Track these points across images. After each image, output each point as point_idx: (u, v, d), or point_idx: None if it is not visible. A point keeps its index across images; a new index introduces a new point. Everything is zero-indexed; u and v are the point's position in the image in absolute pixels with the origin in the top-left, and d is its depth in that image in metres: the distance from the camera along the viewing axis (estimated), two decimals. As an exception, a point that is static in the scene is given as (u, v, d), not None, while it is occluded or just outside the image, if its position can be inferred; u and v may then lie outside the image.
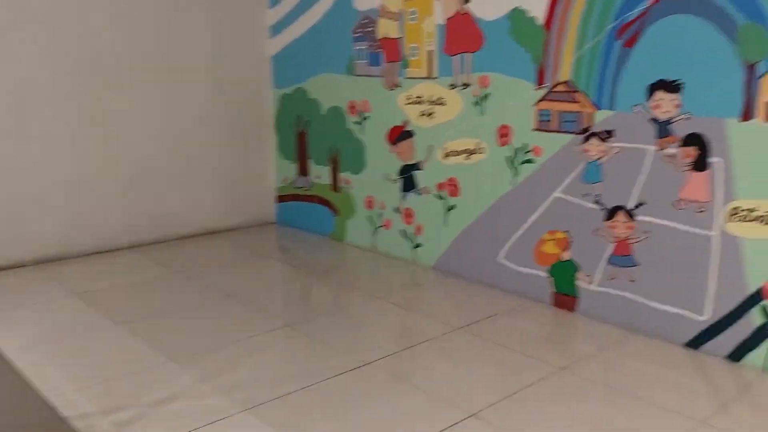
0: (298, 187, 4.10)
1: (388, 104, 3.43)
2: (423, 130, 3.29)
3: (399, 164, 3.44)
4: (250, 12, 4.03)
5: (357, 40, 3.53)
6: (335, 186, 3.85)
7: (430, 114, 3.24)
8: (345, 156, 3.74)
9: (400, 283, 3.22)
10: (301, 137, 4.01)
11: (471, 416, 1.99)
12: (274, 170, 4.26)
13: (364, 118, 3.58)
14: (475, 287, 3.09)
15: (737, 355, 2.32)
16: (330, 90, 3.75)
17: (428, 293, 3.15)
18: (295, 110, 4.02)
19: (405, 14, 3.25)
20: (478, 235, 3.11)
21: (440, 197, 3.26)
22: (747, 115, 2.18)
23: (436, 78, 3.18)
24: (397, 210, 3.50)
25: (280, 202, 4.27)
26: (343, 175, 3.78)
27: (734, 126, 2.22)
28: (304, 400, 2.08)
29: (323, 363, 2.33)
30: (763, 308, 2.24)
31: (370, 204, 3.65)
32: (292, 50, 3.96)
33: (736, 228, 2.27)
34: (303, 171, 4.05)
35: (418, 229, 3.41)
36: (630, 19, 2.43)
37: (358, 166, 3.67)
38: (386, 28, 3.36)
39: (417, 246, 3.43)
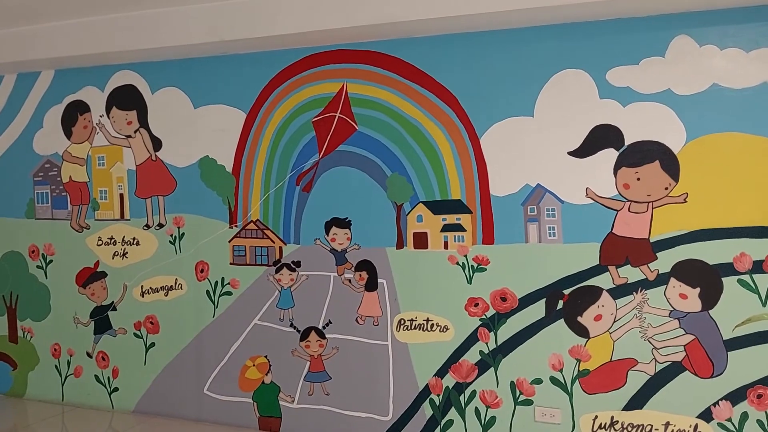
0: (-36, 343, 3.63)
1: (76, 247, 3.34)
2: (117, 270, 3.28)
3: (91, 306, 3.33)
4: None
5: (38, 183, 3.43)
6: (13, 336, 3.51)
7: (124, 254, 3.26)
8: (25, 303, 3.48)
9: (97, 434, 3.05)
10: (-32, 286, 3.62)
11: None
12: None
13: (49, 262, 3.42)
14: (180, 424, 3.07)
15: (417, 444, 2.74)
16: (5, 235, 3.51)
17: (130, 439, 3.03)
18: (-41, 257, 3.63)
19: (92, 160, 3.30)
20: (182, 371, 3.14)
21: (139, 336, 3.23)
22: (400, 244, 2.75)
23: (128, 219, 3.25)
24: (89, 355, 3.34)
25: (-63, 362, 3.69)
26: (23, 324, 3.48)
27: (392, 253, 2.76)
28: None
29: None
30: (431, 401, 2.72)
31: (56, 352, 3.41)
32: (-44, 192, 3.63)
33: (403, 336, 2.76)
34: (-30, 324, 3.61)
35: (115, 373, 3.29)
36: (305, 168, 2.90)
37: (41, 313, 3.43)
38: (72, 172, 3.35)
39: (114, 390, 3.30)
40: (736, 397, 2.34)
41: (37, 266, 3.45)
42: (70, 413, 3.28)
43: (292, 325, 2.94)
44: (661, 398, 2.42)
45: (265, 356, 2.99)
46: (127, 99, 3.20)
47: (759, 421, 2.31)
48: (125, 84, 3.21)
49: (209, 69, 3.03)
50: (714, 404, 2.36)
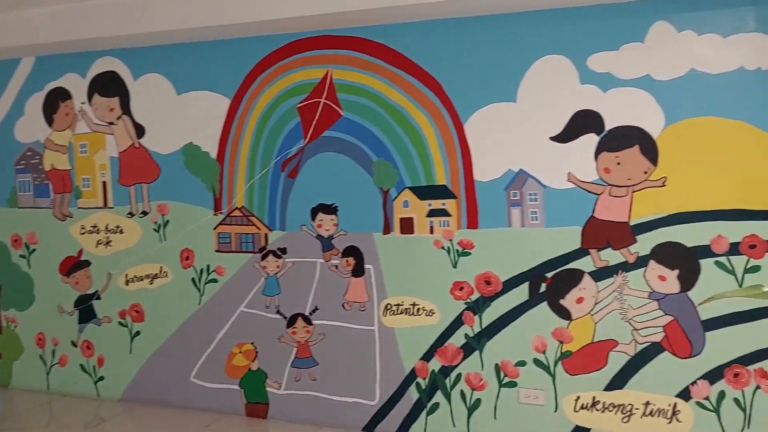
0: (-55, 334, 3.59)
1: (59, 235, 3.33)
2: (101, 259, 3.27)
3: (75, 295, 3.32)
4: None
5: (20, 172, 3.40)
6: (-4, 327, 3.49)
7: (107, 242, 3.25)
8: (9, 292, 3.45)
9: (83, 423, 3.03)
10: (-51, 276, 3.58)
11: None
12: None
13: (32, 251, 3.39)
14: (167, 412, 3.08)
15: (403, 429, 2.77)
16: (-13, 224, 3.48)
17: (117, 427, 3.03)
18: (-61, 247, 3.59)
19: (74, 147, 3.28)
20: (168, 358, 3.15)
21: (124, 325, 3.23)
22: (387, 229, 2.77)
23: (112, 207, 3.23)
24: (74, 344, 3.33)
25: None
26: (7, 314, 3.46)
27: (379, 238, 2.78)
28: None
29: None
30: (417, 384, 2.76)
31: (41, 341, 3.40)
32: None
33: (390, 321, 2.79)
34: (-49, 314, 3.58)
35: (100, 361, 3.29)
36: (290, 155, 2.91)
37: (25, 302, 3.42)
38: (54, 160, 3.32)
39: (100, 379, 3.29)
40: (713, 376, 2.40)
41: (20, 255, 3.43)
42: (57, 402, 3.27)
43: (278, 311, 2.95)
44: (641, 378, 2.48)
45: (252, 343, 3.00)
46: (109, 85, 3.18)
47: (736, 400, 2.37)
48: (107, 70, 3.19)
49: (192, 55, 3.02)
50: (692, 383, 2.42)
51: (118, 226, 3.23)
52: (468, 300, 2.67)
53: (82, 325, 3.32)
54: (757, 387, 2.35)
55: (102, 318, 3.28)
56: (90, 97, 3.23)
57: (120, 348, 3.24)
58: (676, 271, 2.43)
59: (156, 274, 3.16)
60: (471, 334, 2.67)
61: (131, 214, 3.19)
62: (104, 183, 3.24)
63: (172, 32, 2.88)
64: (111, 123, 3.20)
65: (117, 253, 3.23)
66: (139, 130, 3.15)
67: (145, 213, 3.17)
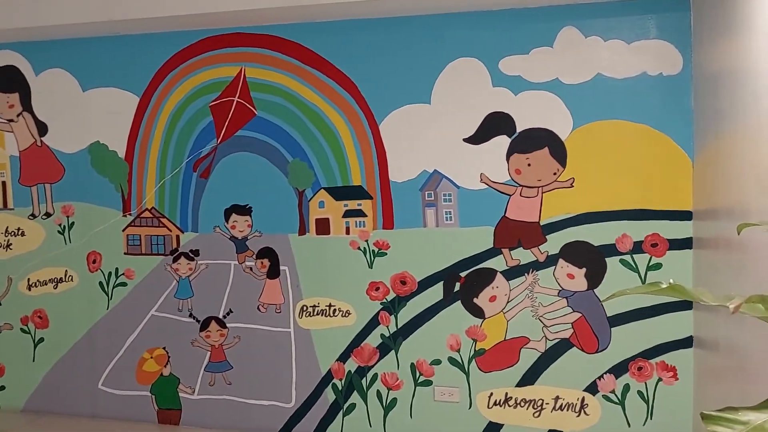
0: None
1: (-46, 238, 3.13)
2: (1, 263, 3.09)
3: (-28, 302, 3.13)
4: None
5: None
6: None
7: (8, 245, 3.07)
8: None
9: (-19, 435, 2.88)
10: None
11: None
12: None
13: None
14: (74, 421, 2.95)
15: (320, 431, 2.75)
16: None
17: (18, 439, 2.88)
18: None
19: (-29, 144, 3.09)
20: (74, 366, 3.01)
21: (26, 331, 3.07)
22: (303, 230, 2.74)
23: (12, 209, 3.06)
24: (-29, 353, 3.14)
25: None
26: None
27: (295, 239, 2.75)
28: None
29: None
30: (334, 386, 2.74)
31: (-66, 352, 3.19)
32: None
33: (306, 323, 2.76)
34: None
35: (1, 371, 3.11)
36: (202, 154, 2.83)
37: None
38: (-52, 158, 3.12)
39: (0, 389, 3.12)
40: (618, 370, 2.50)
41: None
42: (-49, 416, 3.08)
43: (191, 315, 2.87)
44: (551, 374, 2.55)
45: (164, 348, 2.91)
46: (7, 80, 3.01)
47: (639, 392, 2.48)
48: (6, 65, 3.02)
49: (99, 50, 2.89)
50: (599, 377, 2.51)
51: (19, 228, 3.06)
52: (384, 300, 2.67)
53: (-20, 333, 3.14)
54: (659, 379, 2.45)
55: (2, 325, 3.11)
56: (-13, 92, 3.05)
57: (22, 356, 3.08)
58: (584, 269, 2.50)
59: (61, 278, 3.02)
60: (387, 334, 2.68)
61: (33, 216, 3.04)
62: (3, 183, 3.06)
63: (76, 25, 2.74)
64: (10, 120, 3.03)
65: (18, 256, 3.07)
66: (42, 128, 3.00)
67: (48, 214, 3.02)
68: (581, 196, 2.49)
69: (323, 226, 2.71)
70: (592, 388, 2.52)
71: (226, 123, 2.78)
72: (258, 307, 2.80)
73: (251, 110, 2.76)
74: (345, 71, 2.66)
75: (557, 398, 2.54)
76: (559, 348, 2.54)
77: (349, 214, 2.69)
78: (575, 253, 2.51)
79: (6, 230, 3.07)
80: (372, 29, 2.63)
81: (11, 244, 3.07)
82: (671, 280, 1.05)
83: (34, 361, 3.06)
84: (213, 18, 2.64)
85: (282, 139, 2.74)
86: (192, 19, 2.66)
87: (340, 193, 2.70)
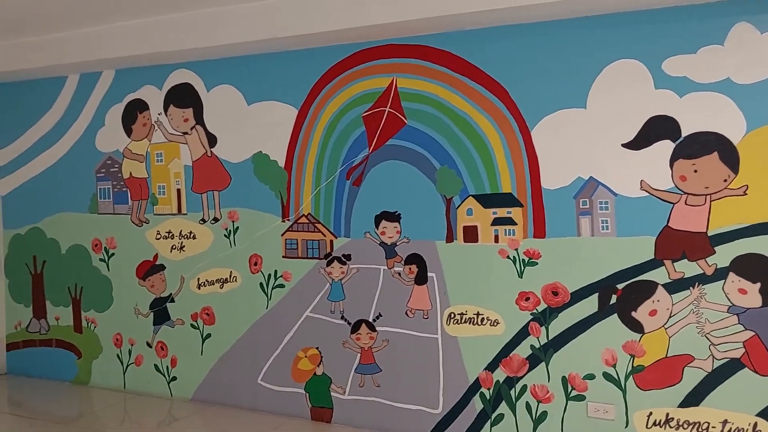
0: (33, 332, 3.81)
1: (136, 240, 3.47)
2: (175, 263, 3.38)
3: (151, 298, 3.45)
4: (-26, 150, 3.82)
5: (100, 179, 3.56)
6: (78, 326, 3.67)
7: (181, 247, 3.36)
8: (89, 294, 3.63)
9: (156, 421, 3.15)
10: (37, 278, 3.79)
11: None
12: (2, 316, 3.90)
13: (111, 255, 3.55)
14: (236, 413, 3.15)
15: (467, 437, 2.74)
16: (70, 229, 3.66)
17: (187, 427, 3.12)
18: (28, 251, 3.81)
19: (151, 156, 3.41)
20: (236, 361, 3.22)
21: (195, 327, 3.33)
22: (450, 237, 2.75)
23: (185, 214, 3.34)
24: (149, 344, 3.46)
25: (9, 350, 3.89)
26: (87, 314, 3.64)
27: (442, 246, 2.76)
28: None
29: None
30: (482, 395, 2.72)
31: (118, 341, 3.55)
32: (25, 190, 3.80)
33: (453, 330, 2.76)
34: (39, 314, 3.79)
35: (173, 362, 3.40)
36: (355, 163, 2.93)
37: (104, 304, 3.58)
38: (132, 169, 3.47)
39: (173, 380, 3.41)
40: (798, 395, 2.26)
41: (100, 259, 3.59)
42: (132, 401, 3.41)
43: (343, 317, 2.98)
44: (718, 395, 2.36)
45: (317, 348, 3.04)
46: (183, 97, 3.30)
47: (824, 421, 2.23)
48: (182, 82, 3.31)
49: (262, 66, 3.09)
50: (775, 402, 2.28)
51: (191, 232, 3.33)
52: (534, 311, 2.61)
53: (156, 326, 3.45)
54: None
55: (175, 320, 3.39)
56: (166, 108, 3.36)
57: (192, 349, 3.34)
58: (758, 284, 2.30)
59: (226, 278, 3.25)
60: (537, 345, 2.61)
61: (203, 221, 3.29)
62: (178, 190, 3.35)
63: (242, 44, 2.96)
64: (185, 133, 3.32)
65: (190, 257, 3.34)
66: (212, 140, 3.25)
67: (216, 219, 3.26)
68: (755, 205, 2.29)
69: (471, 234, 2.70)
70: (767, 413, 2.29)
71: (378, 132, 2.86)
72: (406, 312, 2.84)
73: (402, 119, 2.82)
74: (495, 77, 2.64)
75: (725, 422, 2.35)
76: (729, 368, 2.34)
77: (498, 221, 2.66)
78: (748, 266, 2.31)
79: (180, 233, 3.36)
80: (522, 34, 2.59)
81: (184, 246, 3.36)
82: None
83: (201, 354, 3.32)
84: (366, 31, 2.73)
85: (431, 147, 2.77)
86: (346, 34, 2.77)
87: (489, 200, 2.68)
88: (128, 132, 3.47)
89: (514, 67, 2.61)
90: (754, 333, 2.31)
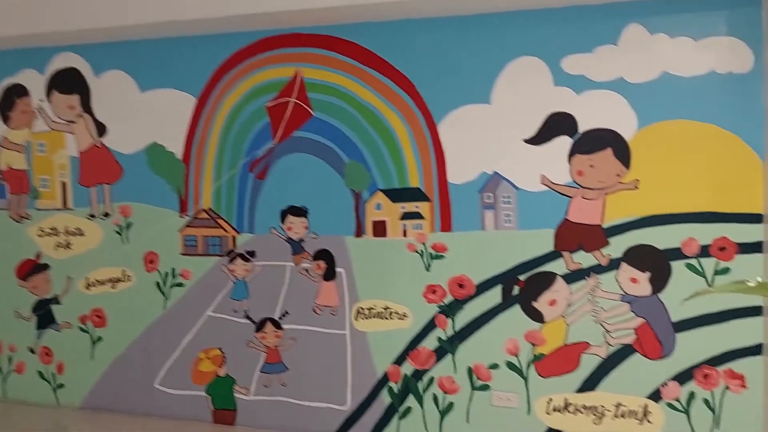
0: None
1: (16, 237, 3.19)
2: (60, 262, 3.15)
3: (33, 299, 3.19)
4: None
5: (-27, 171, 3.25)
6: (-53, 333, 3.34)
7: (67, 245, 3.13)
8: (-40, 297, 3.31)
9: (43, 430, 2.93)
10: None
11: None
12: None
13: (-14, 254, 3.26)
14: (130, 419, 2.99)
15: (375, 432, 2.74)
16: (-63, 225, 3.32)
17: (78, 436, 2.93)
18: None
19: (32, 146, 3.15)
20: (131, 364, 3.05)
21: (85, 330, 3.12)
22: (359, 232, 2.72)
23: (72, 209, 3.12)
24: (32, 350, 3.21)
25: None
26: (-41, 320, 3.32)
27: (351, 241, 2.73)
28: None
29: None
30: (390, 389, 2.72)
31: (-4, 348, 3.27)
32: None
33: (362, 325, 2.74)
34: None
35: (60, 368, 3.17)
36: (259, 155, 2.83)
37: (-21, 308, 3.28)
38: (10, 160, 3.19)
39: (59, 386, 3.18)
40: (683, 377, 2.42)
41: (-26, 259, 3.28)
42: (14, 410, 3.14)
43: (247, 316, 2.88)
44: (612, 380, 2.48)
45: (219, 348, 2.93)
46: (68, 82, 3.06)
47: (705, 400, 2.40)
48: (67, 67, 3.07)
49: (157, 51, 2.92)
50: (663, 384, 2.43)
51: (78, 228, 3.11)
52: (441, 303, 2.64)
53: (40, 330, 3.20)
54: (726, 387, 2.37)
55: (62, 323, 3.16)
56: (48, 94, 3.10)
57: (81, 354, 3.13)
58: (648, 274, 2.44)
59: (119, 277, 3.06)
60: (444, 338, 2.65)
61: (92, 216, 3.08)
62: (64, 183, 3.12)
63: (135, 27, 2.77)
64: (71, 121, 3.09)
65: (77, 256, 3.12)
66: (101, 129, 3.04)
67: (107, 215, 3.06)
68: (646, 198, 2.42)
69: (380, 229, 2.69)
70: (656, 396, 2.45)
71: (283, 124, 2.79)
72: (314, 309, 2.79)
73: (308, 111, 2.76)
74: (403, 71, 2.64)
75: (619, 405, 2.48)
76: (622, 354, 2.48)
77: (406, 216, 2.66)
78: (639, 256, 2.44)
79: (66, 230, 3.13)
80: (430, 28, 2.60)
81: (71, 243, 3.13)
82: (759, 279, 1.00)
83: (92, 359, 3.11)
84: (270, 18, 2.64)
85: (338, 140, 2.73)
86: (249, 20, 2.66)
87: (397, 195, 2.67)
88: (5, 120, 3.18)
89: (420, 61, 2.62)
90: (644, 320, 2.45)
